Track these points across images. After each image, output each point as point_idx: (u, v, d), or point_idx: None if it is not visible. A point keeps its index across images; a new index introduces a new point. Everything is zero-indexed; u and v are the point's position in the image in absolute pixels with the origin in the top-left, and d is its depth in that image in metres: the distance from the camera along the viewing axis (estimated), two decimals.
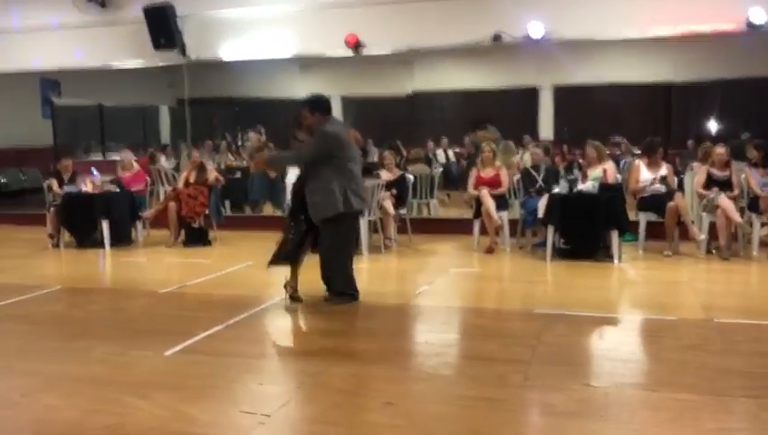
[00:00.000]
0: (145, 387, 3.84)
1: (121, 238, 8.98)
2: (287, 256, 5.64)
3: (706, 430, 3.21)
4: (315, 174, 5.50)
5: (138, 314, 5.70)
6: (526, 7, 9.28)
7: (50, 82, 13.62)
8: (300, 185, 5.70)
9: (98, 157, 13.82)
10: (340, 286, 5.66)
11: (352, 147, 5.77)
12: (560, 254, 7.62)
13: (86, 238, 8.96)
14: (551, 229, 7.50)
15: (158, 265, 8.09)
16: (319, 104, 5.66)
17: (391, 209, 8.48)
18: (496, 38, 9.44)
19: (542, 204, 7.68)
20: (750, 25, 8.73)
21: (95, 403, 3.62)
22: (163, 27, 10.18)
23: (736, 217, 7.42)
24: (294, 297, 5.72)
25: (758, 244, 7.61)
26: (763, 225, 7.64)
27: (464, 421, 3.36)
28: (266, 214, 10.98)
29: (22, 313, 5.68)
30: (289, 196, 8.43)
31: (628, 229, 7.73)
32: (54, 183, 9.41)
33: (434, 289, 6.41)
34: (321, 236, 5.64)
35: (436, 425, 3.32)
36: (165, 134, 15.11)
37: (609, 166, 8.05)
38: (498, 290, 6.75)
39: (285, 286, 5.74)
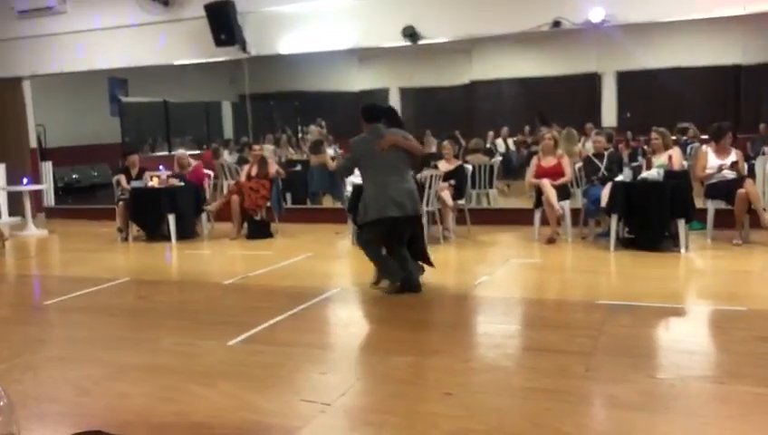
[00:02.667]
0: (210, 376, 3.94)
1: (187, 232, 9.23)
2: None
3: None
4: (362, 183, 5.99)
5: (203, 304, 5.86)
6: None
7: (117, 81, 14.10)
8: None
9: (164, 152, 14.23)
10: (386, 275, 5.87)
11: (374, 155, 5.74)
12: (624, 244, 7.45)
13: (154, 232, 9.24)
14: (614, 218, 7.34)
15: (221, 257, 8.28)
16: (364, 114, 5.86)
17: (450, 200, 8.45)
18: (556, 24, 9.26)
19: (605, 193, 7.51)
20: None
21: (163, 391, 3.75)
22: (224, 24, 10.37)
23: None
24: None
25: None
26: None
27: (524, 413, 3.33)
28: (326, 206, 11.10)
29: (93, 304, 5.91)
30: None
31: (695, 218, 7.49)
32: (123, 179, 9.72)
33: (493, 280, 6.37)
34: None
35: (496, 416, 3.31)
36: (227, 129, 15.44)
37: (675, 152, 7.81)
38: (560, 281, 6.65)
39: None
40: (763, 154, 8.60)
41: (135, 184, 9.36)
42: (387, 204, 5.63)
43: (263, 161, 9.42)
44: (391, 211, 5.61)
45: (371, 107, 5.98)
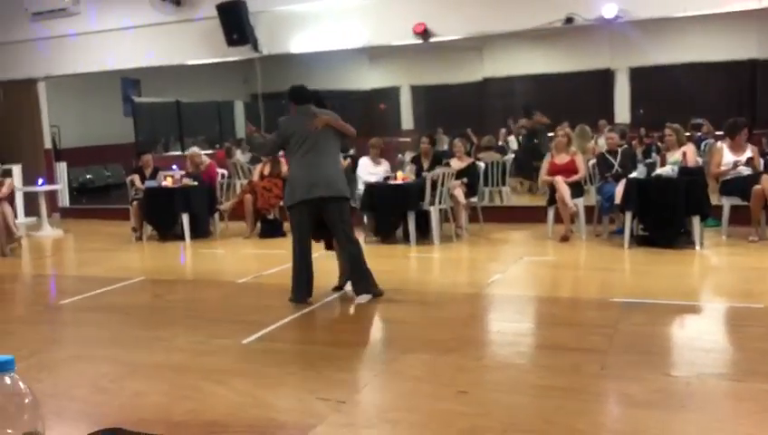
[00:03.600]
0: (225, 374, 3.96)
1: (200, 231, 9.27)
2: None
3: None
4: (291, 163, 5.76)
5: (217, 303, 5.89)
6: None
7: (130, 81, 14.17)
8: None
9: (177, 152, 14.29)
10: (293, 289, 5.55)
11: (303, 135, 5.51)
12: (638, 241, 7.41)
13: (167, 231, 9.29)
14: (628, 216, 7.30)
15: (235, 256, 8.32)
16: (291, 94, 5.78)
17: (462, 198, 8.44)
18: (569, 20, 9.22)
19: (618, 190, 7.48)
20: None
21: (178, 389, 3.77)
22: (236, 23, 10.41)
23: None
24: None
25: None
26: None
27: (538, 411, 3.33)
28: None
29: (109, 303, 5.95)
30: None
31: (710, 214, 7.44)
32: (136, 178, 9.78)
33: (507, 278, 6.36)
34: None
35: (510, 414, 3.30)
36: (240, 129, 15.47)
37: (689, 149, 7.76)
38: (573, 278, 6.62)
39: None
40: None
41: (149, 184, 9.41)
42: (317, 183, 5.39)
43: (275, 160, 9.44)
44: (321, 191, 5.38)
45: (301, 88, 5.80)
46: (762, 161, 7.86)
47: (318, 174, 5.41)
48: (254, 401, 3.57)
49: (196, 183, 9.32)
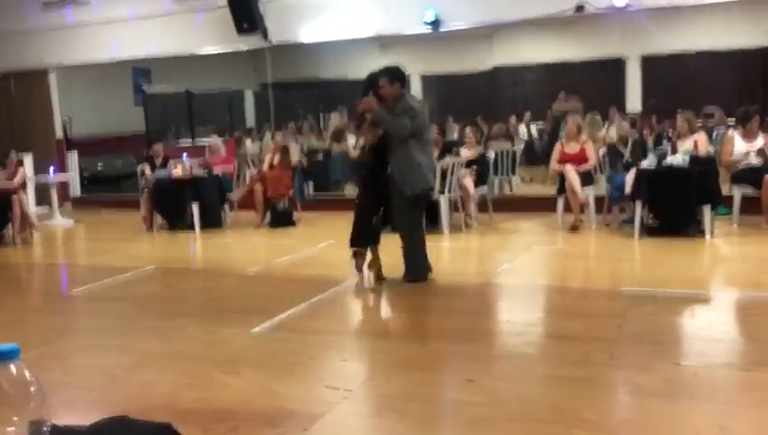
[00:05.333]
0: (234, 363, 3.99)
1: (211, 221, 9.29)
2: (365, 239, 5.69)
3: None
4: (404, 149, 5.40)
5: (226, 293, 5.92)
6: None
7: (141, 71, 14.20)
8: (374, 161, 5.62)
9: (187, 142, 14.34)
10: (419, 269, 5.62)
11: (425, 119, 5.77)
12: (648, 231, 7.37)
13: (177, 221, 9.33)
14: (639, 205, 7.26)
15: (245, 245, 8.35)
16: (398, 74, 5.47)
17: (472, 187, 8.42)
18: (579, 8, 9.14)
19: (629, 179, 7.43)
20: None
21: (188, 378, 3.80)
22: (246, 12, 10.39)
23: None
24: (380, 277, 5.72)
25: None
26: None
27: (547, 400, 3.33)
28: (348, 194, 11.12)
29: (119, 293, 6.00)
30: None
31: (721, 204, 7.39)
32: (147, 168, 9.82)
33: (516, 267, 6.35)
34: (400, 215, 5.62)
35: (519, 403, 3.31)
36: (250, 118, 15.50)
37: (701, 138, 7.70)
38: (583, 268, 6.60)
39: (370, 266, 5.77)
40: None
41: (159, 173, 9.45)
42: (432, 175, 5.64)
43: (285, 150, 9.46)
44: (432, 182, 5.66)
45: (402, 69, 5.59)
46: None
47: (433, 166, 5.74)
48: (262, 389, 3.59)
49: (206, 175, 9.34)
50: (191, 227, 9.07)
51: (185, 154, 10.43)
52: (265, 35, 10.62)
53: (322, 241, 7.82)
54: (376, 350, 4.30)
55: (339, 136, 11.36)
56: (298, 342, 4.35)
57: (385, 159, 5.52)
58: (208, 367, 3.94)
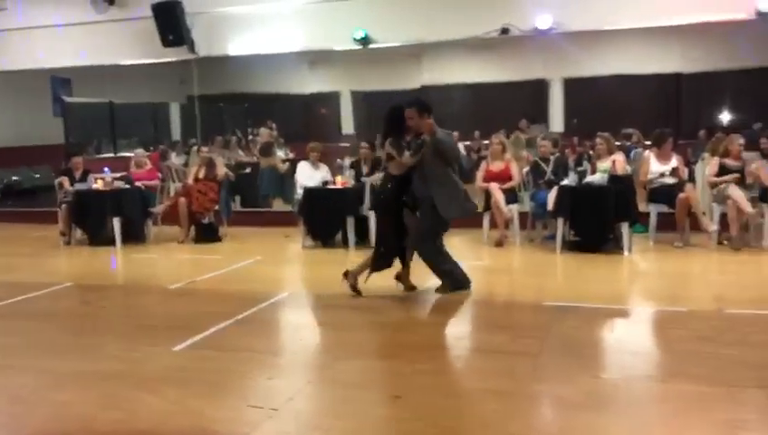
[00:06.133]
0: (155, 382, 3.86)
1: (133, 235, 9.02)
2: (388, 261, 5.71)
3: (716, 421, 3.19)
4: (444, 176, 5.51)
5: (148, 310, 5.74)
6: (534, 0, 9.23)
7: (61, 81, 13.72)
8: (394, 188, 5.61)
9: (109, 154, 13.91)
10: (458, 277, 5.77)
11: None
12: (570, 246, 7.60)
13: (98, 236, 9.01)
14: (560, 222, 7.48)
15: (168, 261, 8.13)
16: (427, 106, 5.49)
17: None
18: (504, 31, 9.40)
19: (551, 196, 7.65)
20: (759, 14, 8.64)
21: (106, 399, 3.65)
22: (171, 24, 10.21)
23: (747, 207, 7.36)
24: (411, 287, 5.80)
25: None
26: None
27: (472, 414, 3.36)
28: (276, 209, 11.01)
29: (33, 310, 5.72)
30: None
31: (638, 221, 7.69)
32: (66, 181, 9.45)
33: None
34: (424, 237, 5.68)
35: (445, 418, 3.32)
36: (175, 131, 15.19)
37: (619, 157, 8.01)
38: (508, 283, 6.73)
39: (399, 277, 5.81)
40: (703, 160, 8.87)
41: (79, 186, 9.12)
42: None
43: (211, 163, 9.29)
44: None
45: (428, 102, 5.63)
46: (686, 171, 8.18)
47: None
48: (184, 409, 3.49)
49: (128, 186, 9.08)
50: (112, 241, 8.77)
51: (106, 168, 10.11)
52: (192, 48, 10.45)
53: (250, 257, 7.70)
54: (302, 367, 4.25)
55: (267, 150, 11.25)
56: (223, 360, 4.25)
57: (404, 187, 5.58)
58: (128, 386, 3.80)
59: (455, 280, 5.73)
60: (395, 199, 5.59)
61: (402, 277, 5.83)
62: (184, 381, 3.90)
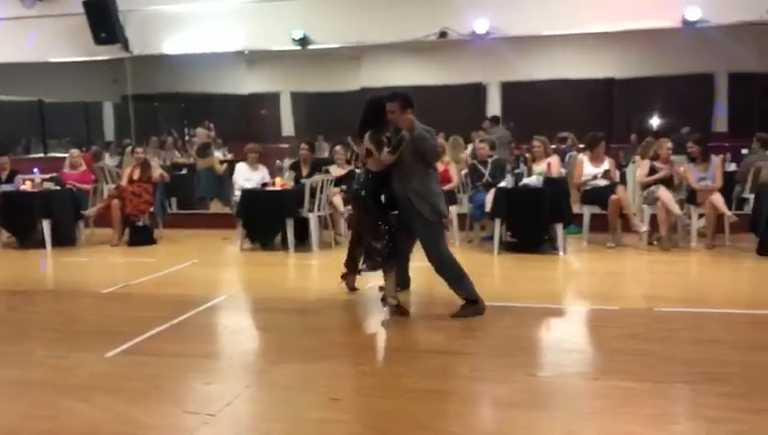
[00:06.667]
0: (85, 390, 3.74)
1: (64, 238, 8.74)
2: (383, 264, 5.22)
3: (645, 415, 3.29)
4: (423, 175, 5.09)
5: (79, 315, 5.56)
6: (472, 4, 9.37)
7: None
8: (381, 183, 5.19)
9: (39, 154, 13.41)
10: (468, 290, 5.24)
11: None
12: (507, 247, 7.73)
13: (27, 238, 8.69)
14: (497, 223, 7.60)
15: (101, 264, 7.90)
16: (410, 101, 5.09)
17: (341, 206, 8.47)
18: (442, 34, 9.51)
19: (489, 198, 7.77)
20: (686, 22, 9.00)
21: (33, 408, 3.52)
22: (104, 21, 9.95)
23: (676, 209, 7.64)
24: (399, 310, 5.21)
25: (696, 235, 7.85)
26: (700, 216, 7.88)
27: (410, 414, 3.37)
28: (214, 211, 10.84)
29: None
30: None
31: (572, 222, 7.88)
32: None
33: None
34: (428, 245, 5.23)
35: (383, 419, 3.33)
36: (109, 131, 14.75)
37: (554, 160, 8.21)
38: (445, 283, 6.77)
39: (384, 299, 5.31)
40: (634, 162, 9.15)
41: (5, 188, 8.77)
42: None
43: (145, 164, 9.08)
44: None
45: (411, 96, 5.15)
46: (618, 173, 8.43)
47: None
48: (117, 417, 3.39)
49: (58, 187, 8.79)
50: (42, 244, 8.47)
51: (35, 168, 9.76)
52: (126, 46, 10.20)
53: (186, 260, 7.56)
54: (239, 371, 4.18)
55: (204, 151, 11.05)
56: (157, 365, 4.15)
57: (384, 184, 5.16)
58: (57, 394, 3.68)
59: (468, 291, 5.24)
60: (374, 196, 5.22)
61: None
62: (116, 387, 3.79)
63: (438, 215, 5.16)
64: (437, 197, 5.15)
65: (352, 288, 5.92)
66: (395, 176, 5.13)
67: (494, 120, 11.05)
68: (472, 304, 5.16)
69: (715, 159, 8.07)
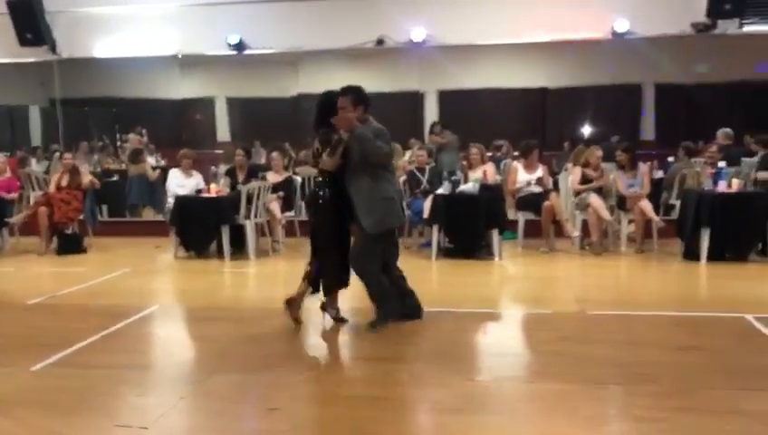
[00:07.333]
0: (9, 405, 3.58)
1: None
2: (329, 283, 4.94)
3: (580, 417, 3.36)
4: (372, 177, 4.69)
5: (2, 327, 5.32)
6: (409, 12, 9.46)
7: None
8: (331, 193, 4.83)
9: None
10: (388, 310, 4.94)
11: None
12: (444, 253, 7.81)
13: None
14: (435, 229, 7.67)
15: (26, 274, 7.59)
16: (364, 96, 4.75)
17: (278, 212, 8.39)
18: (380, 42, 9.56)
19: (427, 205, 7.84)
20: (614, 34, 9.31)
21: None
22: (29, 22, 9.61)
23: (606, 214, 7.87)
24: (339, 319, 5.09)
25: (626, 240, 8.10)
26: (629, 222, 8.13)
27: (349, 422, 3.35)
28: (146, 218, 10.57)
29: None
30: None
31: (507, 228, 8.03)
32: None
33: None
34: (358, 254, 4.85)
35: (322, 427, 3.31)
36: (36, 135, 14.22)
37: (489, 167, 8.35)
38: None
39: (323, 307, 5.12)
40: (566, 170, 9.39)
41: None
42: (400, 208, 5.03)
43: (74, 171, 8.79)
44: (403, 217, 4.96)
45: (365, 91, 4.84)
46: (551, 180, 8.63)
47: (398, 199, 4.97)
48: (43, 432, 3.25)
49: None
50: None
51: None
52: (53, 48, 9.87)
53: (117, 269, 7.35)
54: (175, 382, 4.07)
55: (136, 157, 10.78)
56: (87, 378, 4.01)
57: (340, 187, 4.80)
58: None
59: (388, 310, 4.95)
60: (333, 200, 4.79)
61: (327, 303, 5.10)
62: (43, 402, 3.64)
63: (380, 227, 4.73)
64: (388, 202, 4.76)
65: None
66: (345, 178, 4.78)
67: (444, 125, 11.13)
68: (382, 313, 4.91)
69: (643, 167, 8.36)
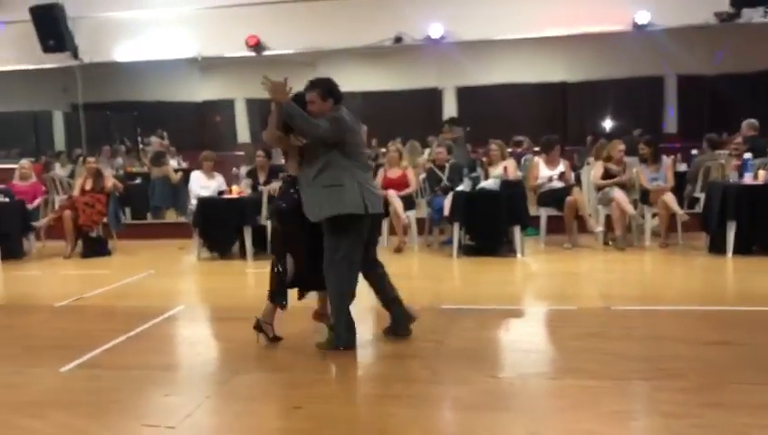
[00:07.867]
0: (40, 406, 3.64)
1: (11, 251, 8.50)
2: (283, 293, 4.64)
3: (605, 412, 3.33)
4: (323, 167, 4.31)
5: (32, 330, 5.41)
6: (426, 10, 9.45)
7: None
8: (289, 186, 4.54)
9: None
10: (336, 325, 4.48)
11: (363, 139, 4.89)
12: (466, 250, 7.78)
13: None
14: (456, 227, 7.64)
15: (53, 277, 7.70)
16: (333, 89, 4.45)
17: None
18: (398, 40, 9.55)
19: (447, 202, 7.82)
20: (636, 26, 9.21)
21: None
22: (52, 28, 9.73)
23: (630, 209, 7.79)
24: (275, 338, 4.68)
25: (650, 234, 8.02)
26: (653, 216, 8.06)
27: (371, 420, 3.36)
28: (169, 220, 10.67)
29: None
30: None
31: (529, 224, 7.98)
32: None
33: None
34: (325, 250, 4.43)
35: (344, 426, 3.31)
36: (59, 140, 14.43)
37: (510, 163, 8.30)
38: (407, 288, 6.68)
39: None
40: (588, 164, 9.32)
41: None
42: (379, 197, 4.54)
43: (98, 174, 8.90)
44: (377, 207, 4.44)
45: (336, 85, 4.50)
46: (573, 175, 8.57)
47: (374, 187, 4.61)
48: (73, 433, 3.30)
49: (6, 199, 8.55)
50: None
51: None
52: (75, 54, 9.99)
53: (141, 271, 7.42)
54: (199, 383, 4.11)
55: (158, 160, 10.88)
56: (115, 379, 4.06)
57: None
58: (9, 411, 3.56)
59: (339, 335, 4.46)
60: (297, 207, 4.43)
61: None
62: (72, 403, 3.69)
63: (319, 216, 4.29)
64: (332, 190, 4.28)
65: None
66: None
67: (453, 121, 11.09)
68: (337, 336, 4.47)
69: (666, 160, 8.27)
